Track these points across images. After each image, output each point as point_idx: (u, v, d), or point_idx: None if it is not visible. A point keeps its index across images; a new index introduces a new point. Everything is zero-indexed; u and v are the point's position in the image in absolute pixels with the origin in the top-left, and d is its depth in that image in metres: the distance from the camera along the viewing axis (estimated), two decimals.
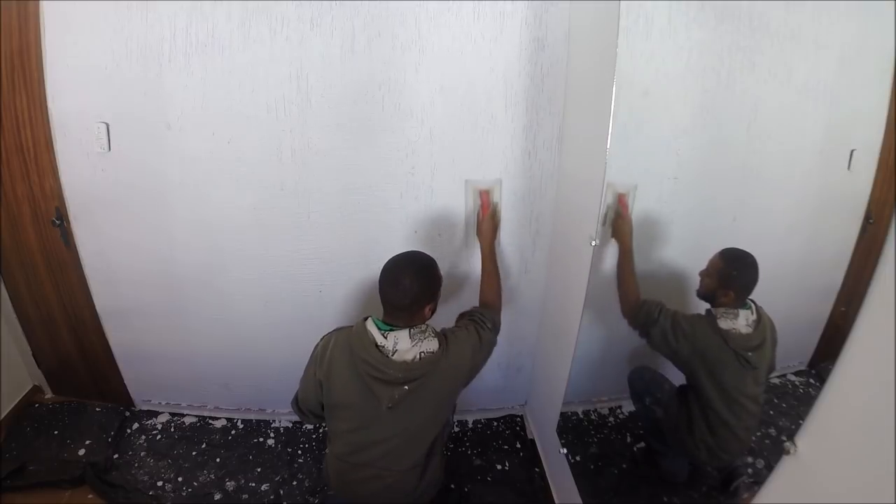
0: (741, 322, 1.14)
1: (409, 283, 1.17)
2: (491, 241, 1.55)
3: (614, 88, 1.13)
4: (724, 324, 1.15)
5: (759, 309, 1.14)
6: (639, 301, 1.33)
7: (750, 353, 1.14)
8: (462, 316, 1.39)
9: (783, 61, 1.18)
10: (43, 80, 1.49)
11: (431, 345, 1.20)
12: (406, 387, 1.17)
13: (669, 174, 1.39)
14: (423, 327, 1.22)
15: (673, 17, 1.30)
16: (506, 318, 1.85)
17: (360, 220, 1.63)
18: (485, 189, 1.61)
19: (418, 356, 1.18)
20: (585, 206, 1.34)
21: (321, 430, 1.98)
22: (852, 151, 1.03)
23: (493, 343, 1.34)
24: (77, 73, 1.47)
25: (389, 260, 1.24)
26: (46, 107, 1.51)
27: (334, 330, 1.30)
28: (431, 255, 1.28)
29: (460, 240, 1.69)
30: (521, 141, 1.57)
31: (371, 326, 1.20)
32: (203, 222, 1.64)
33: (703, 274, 1.21)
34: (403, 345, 1.17)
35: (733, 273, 1.15)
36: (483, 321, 1.33)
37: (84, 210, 1.65)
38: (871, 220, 0.97)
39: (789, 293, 1.20)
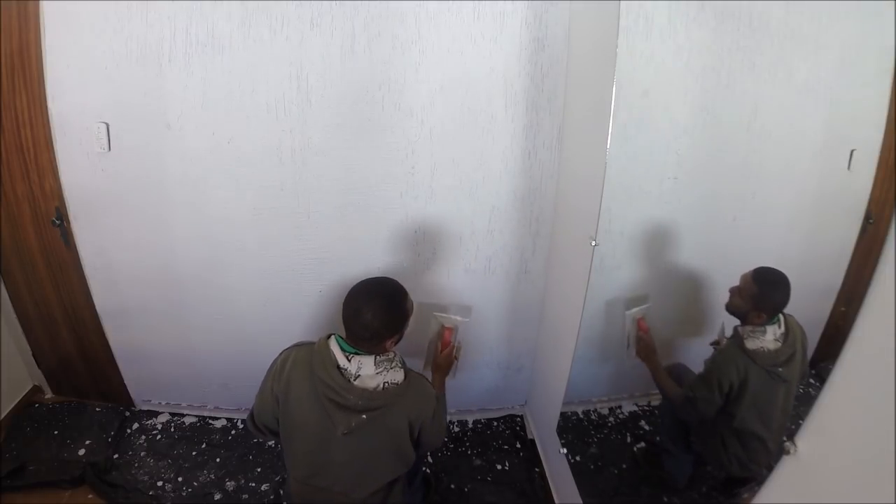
0: (769, 338, 1.12)
1: (370, 318, 1.10)
2: (443, 377, 1.54)
3: (614, 88, 1.13)
4: (751, 344, 1.13)
5: (787, 320, 1.12)
6: (680, 399, 1.34)
7: (780, 369, 1.12)
8: None
9: (783, 61, 1.18)
10: (43, 80, 1.49)
11: (397, 376, 1.14)
12: (364, 416, 1.11)
13: (669, 174, 1.39)
14: (391, 356, 1.16)
15: (673, 17, 1.30)
16: (506, 317, 1.86)
17: (360, 219, 1.64)
18: (449, 327, 1.63)
19: (382, 385, 1.12)
20: (585, 206, 1.34)
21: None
22: (852, 151, 1.03)
23: (441, 434, 1.30)
24: (77, 73, 1.47)
25: (356, 285, 1.17)
26: (46, 107, 1.51)
27: (294, 345, 1.24)
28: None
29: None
30: (521, 141, 1.57)
31: (334, 346, 1.14)
32: (203, 222, 1.64)
33: (733, 292, 1.18)
34: (367, 371, 1.11)
35: (767, 297, 1.12)
36: (442, 412, 1.31)
37: (84, 210, 1.65)
38: (871, 220, 0.96)
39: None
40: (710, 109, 1.33)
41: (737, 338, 1.16)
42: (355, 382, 1.11)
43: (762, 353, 1.12)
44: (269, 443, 1.91)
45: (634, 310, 1.45)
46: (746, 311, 1.15)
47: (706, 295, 1.38)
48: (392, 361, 1.16)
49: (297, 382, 1.15)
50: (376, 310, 1.11)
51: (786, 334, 1.11)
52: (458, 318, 1.66)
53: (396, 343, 1.19)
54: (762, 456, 1.22)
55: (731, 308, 1.19)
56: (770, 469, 1.07)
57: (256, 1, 1.39)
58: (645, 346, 1.42)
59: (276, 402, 1.19)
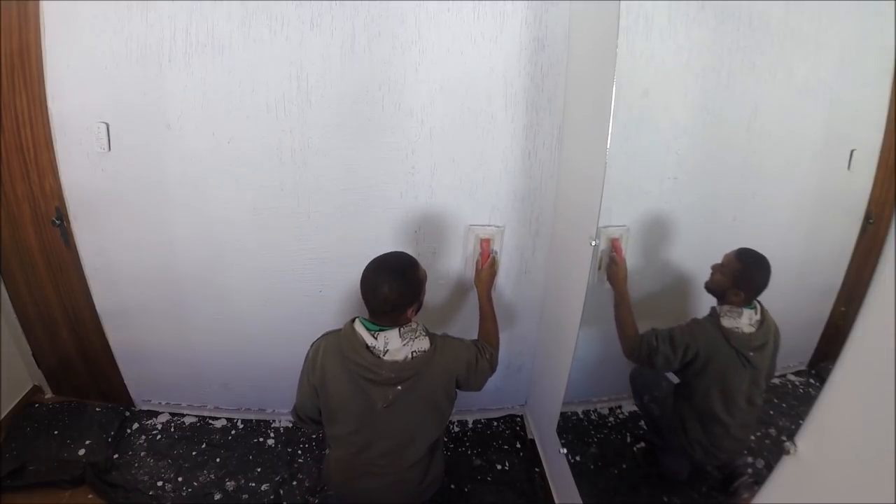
0: (744, 321, 1.14)
1: (387, 291, 1.15)
2: (488, 289, 1.56)
3: (614, 88, 1.14)
4: (727, 322, 1.15)
5: (763, 310, 1.14)
6: (638, 339, 1.33)
7: (751, 353, 1.14)
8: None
9: (783, 61, 1.18)
10: (43, 80, 1.49)
11: (423, 343, 1.20)
12: (399, 387, 1.17)
13: (669, 174, 1.39)
14: (414, 325, 1.21)
15: (673, 17, 1.30)
16: (506, 317, 1.86)
17: (360, 219, 1.64)
18: (486, 238, 1.64)
19: (410, 355, 1.18)
20: (585, 206, 1.34)
21: (321, 430, 1.98)
22: (852, 151, 1.03)
23: (486, 373, 1.33)
24: (77, 73, 1.47)
25: (369, 264, 1.21)
26: (46, 107, 1.51)
27: (323, 335, 1.28)
28: (423, 252, 1.27)
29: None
30: (521, 141, 1.57)
31: (360, 328, 1.19)
32: (203, 222, 1.64)
33: (716, 269, 1.20)
34: (394, 344, 1.17)
35: (748, 275, 1.14)
36: (484, 350, 1.33)
37: (84, 210, 1.66)
38: (871, 220, 0.96)
39: (789, 293, 1.20)
40: (710, 109, 1.33)
41: (714, 316, 1.18)
42: (385, 358, 1.17)
43: (736, 333, 1.14)
44: (270, 441, 1.92)
45: (611, 229, 1.39)
46: (726, 288, 1.17)
47: (706, 294, 1.38)
48: (415, 331, 1.21)
49: (331, 369, 1.21)
50: (392, 282, 1.16)
51: (761, 322, 1.13)
52: (494, 227, 1.65)
53: (417, 311, 1.23)
54: (725, 442, 1.24)
55: (710, 285, 1.21)
56: (744, 461, 1.08)
57: (256, 1, 1.39)
58: (616, 268, 1.39)
59: (315, 392, 1.26)
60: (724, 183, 1.34)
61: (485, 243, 1.63)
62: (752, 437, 1.23)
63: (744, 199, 1.29)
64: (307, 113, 1.50)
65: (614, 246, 1.40)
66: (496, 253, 1.65)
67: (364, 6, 1.40)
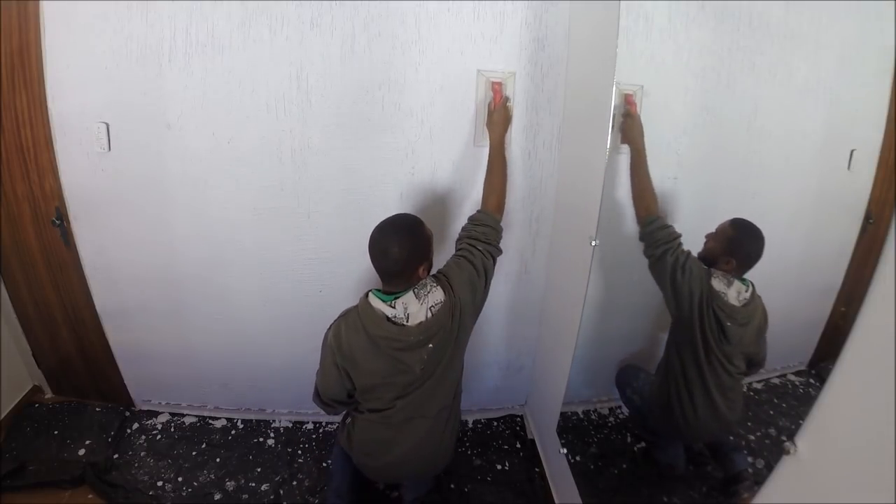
0: (731, 292, 1.14)
1: (397, 251, 1.15)
2: (501, 133, 1.48)
3: (614, 88, 1.13)
4: (715, 283, 1.15)
5: (755, 292, 1.13)
6: (657, 211, 1.28)
7: (728, 324, 1.14)
8: (459, 240, 1.36)
9: (783, 61, 1.18)
10: (43, 80, 1.49)
11: (438, 295, 1.20)
12: (430, 345, 1.19)
13: (669, 174, 1.39)
14: (424, 282, 1.21)
15: (673, 17, 1.30)
16: (506, 317, 1.86)
17: (360, 219, 1.63)
18: (497, 80, 1.53)
19: (430, 312, 1.18)
20: (585, 206, 1.34)
21: (321, 431, 1.98)
22: (852, 151, 1.04)
23: (488, 264, 1.30)
24: (77, 73, 1.47)
25: (375, 228, 1.21)
26: (46, 107, 1.51)
27: (339, 316, 1.28)
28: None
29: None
30: (521, 141, 1.57)
31: (375, 301, 1.19)
32: (203, 222, 1.64)
33: (709, 237, 1.21)
34: (413, 307, 1.17)
35: (740, 242, 1.14)
36: (471, 247, 1.30)
37: (84, 210, 1.65)
38: (871, 220, 0.97)
39: (789, 293, 1.20)
40: (711, 109, 1.33)
41: (707, 272, 1.18)
42: (409, 324, 1.17)
43: (721, 298, 1.14)
44: (270, 442, 1.92)
45: (624, 86, 1.34)
46: (717, 255, 1.17)
47: None
48: (426, 286, 1.21)
49: (359, 349, 1.20)
50: (401, 241, 1.16)
51: (748, 301, 1.13)
52: (506, 70, 1.55)
53: (428, 271, 1.23)
54: (704, 408, 1.24)
55: (703, 253, 1.21)
56: (746, 462, 1.09)
57: (256, 1, 1.39)
58: (632, 121, 1.33)
59: (345, 374, 1.24)
60: (724, 183, 1.35)
61: (496, 85, 1.52)
62: (751, 436, 1.23)
63: (744, 198, 1.30)
64: (307, 113, 1.49)
65: (628, 100, 1.35)
66: (509, 99, 1.55)
67: (364, 6, 1.40)
